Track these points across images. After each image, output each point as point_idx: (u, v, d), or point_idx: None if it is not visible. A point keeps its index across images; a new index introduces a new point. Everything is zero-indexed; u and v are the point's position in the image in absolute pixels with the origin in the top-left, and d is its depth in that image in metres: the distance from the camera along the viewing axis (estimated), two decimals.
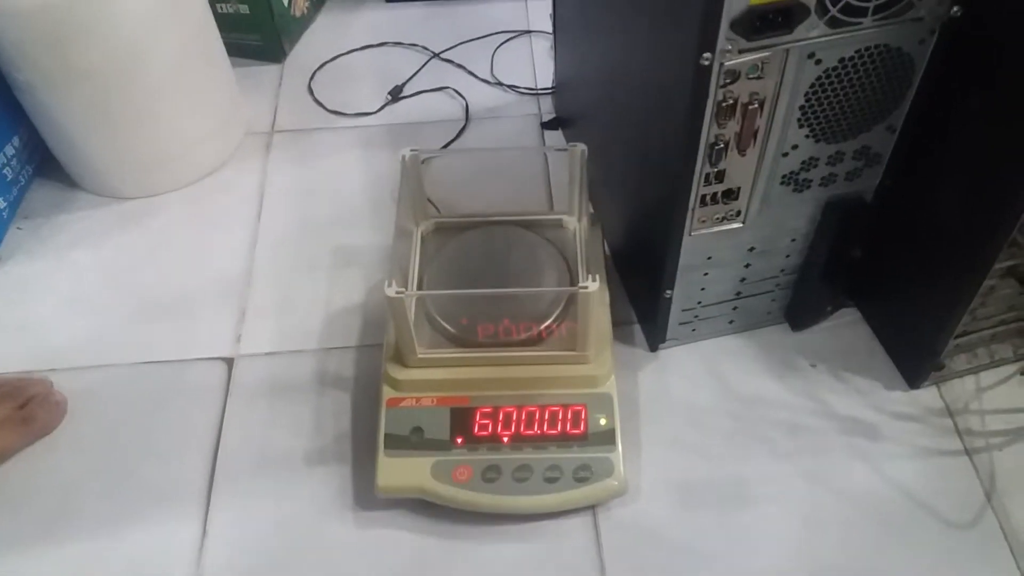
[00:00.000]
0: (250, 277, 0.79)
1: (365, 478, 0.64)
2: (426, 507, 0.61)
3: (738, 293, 0.68)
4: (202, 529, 0.62)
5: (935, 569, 0.59)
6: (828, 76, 0.50)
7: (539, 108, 0.94)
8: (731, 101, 0.50)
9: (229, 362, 0.72)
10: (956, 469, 0.64)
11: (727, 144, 0.53)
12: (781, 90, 0.50)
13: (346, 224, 0.83)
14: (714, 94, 0.49)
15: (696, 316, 0.69)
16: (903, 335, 0.69)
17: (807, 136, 0.54)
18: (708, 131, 0.51)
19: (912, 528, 0.61)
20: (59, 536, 0.62)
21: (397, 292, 0.57)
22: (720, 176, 0.55)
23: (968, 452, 0.65)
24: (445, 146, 0.90)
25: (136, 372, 0.72)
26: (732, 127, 0.52)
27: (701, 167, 0.54)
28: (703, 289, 0.66)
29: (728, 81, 0.49)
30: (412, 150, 0.64)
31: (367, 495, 0.63)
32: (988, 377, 0.69)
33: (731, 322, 0.71)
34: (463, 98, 0.95)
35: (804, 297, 0.69)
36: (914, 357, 0.67)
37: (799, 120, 0.53)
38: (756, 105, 0.50)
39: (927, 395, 0.68)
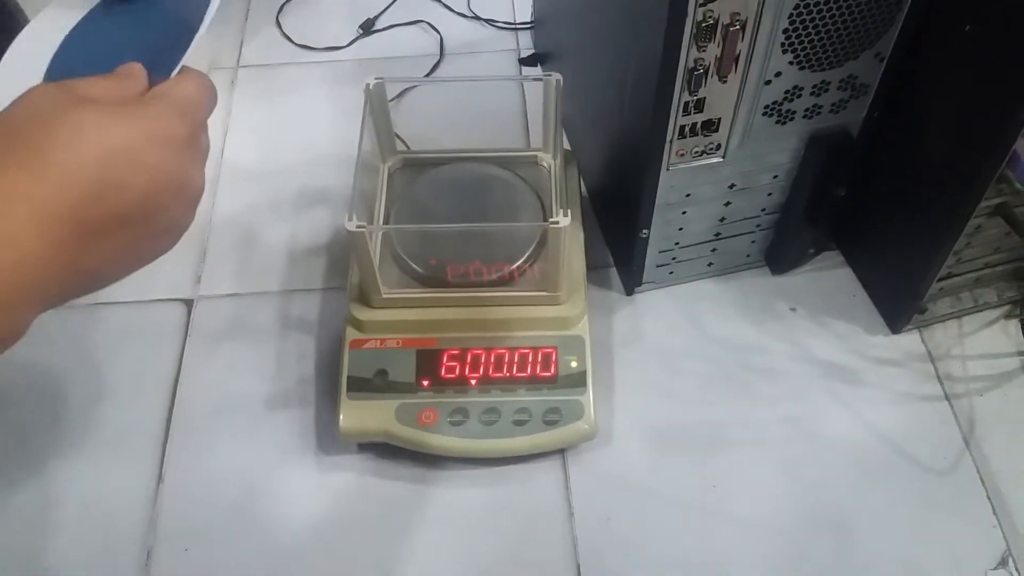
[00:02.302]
0: (211, 216, 0.76)
1: (328, 422, 0.62)
2: (391, 451, 0.59)
3: (717, 234, 0.65)
4: (158, 474, 0.60)
5: (912, 514, 0.58)
6: None
7: (517, 43, 0.90)
8: (711, 21, 0.47)
9: (188, 303, 0.70)
10: (936, 414, 0.63)
11: (707, 69, 0.50)
12: (764, 10, 0.47)
13: (313, 163, 0.79)
14: (693, 12, 0.46)
15: (674, 258, 0.67)
16: (886, 278, 0.67)
17: (791, 63, 0.51)
18: (687, 54, 0.48)
19: (890, 473, 0.60)
20: (11, 480, 0.60)
21: (358, 226, 0.54)
22: (700, 105, 0.52)
23: (948, 398, 0.63)
24: None
25: (91, 314, 0.69)
26: (712, 51, 0.49)
27: (680, 94, 0.51)
28: (681, 229, 0.63)
29: None
30: (377, 79, 0.61)
31: (330, 439, 0.61)
32: (971, 322, 0.67)
33: (710, 264, 0.69)
34: (438, 32, 0.91)
35: (785, 239, 0.67)
36: (897, 301, 0.66)
37: (783, 45, 0.50)
38: (738, 26, 0.47)
39: (908, 340, 0.66)
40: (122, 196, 0.32)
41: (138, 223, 0.33)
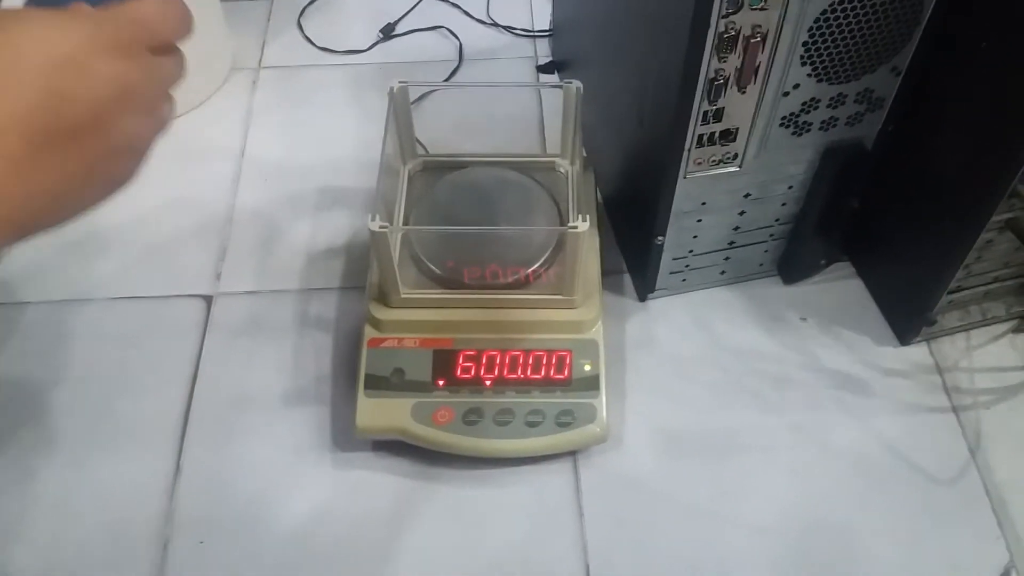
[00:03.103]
0: (232, 214, 0.77)
1: (344, 419, 0.63)
2: (405, 449, 0.60)
3: (731, 243, 0.66)
4: (175, 467, 0.61)
5: (917, 523, 0.59)
6: (833, 10, 0.48)
7: (535, 51, 0.91)
8: (733, 33, 0.48)
9: (208, 300, 0.71)
10: (942, 426, 0.63)
11: (727, 80, 0.51)
12: (784, 23, 0.48)
13: (332, 164, 0.81)
14: (715, 25, 0.47)
15: (687, 265, 0.67)
16: (896, 290, 0.68)
17: (809, 75, 0.52)
18: (708, 65, 0.49)
19: (896, 482, 0.60)
20: (32, 470, 0.61)
21: (381, 227, 0.55)
22: (718, 115, 0.53)
23: (955, 409, 0.64)
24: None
25: (113, 308, 0.70)
26: (733, 62, 0.50)
27: (699, 104, 0.52)
28: (696, 237, 0.64)
29: (730, 11, 0.47)
30: (401, 82, 0.62)
31: (346, 436, 0.62)
32: (979, 335, 0.68)
33: (723, 273, 0.69)
34: (457, 38, 0.92)
35: (798, 249, 0.68)
36: (906, 313, 0.66)
37: (802, 57, 0.51)
38: (759, 39, 0.48)
39: (917, 352, 0.67)
40: (70, 104, 0.31)
41: (91, 135, 0.32)
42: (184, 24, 0.36)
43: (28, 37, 0.31)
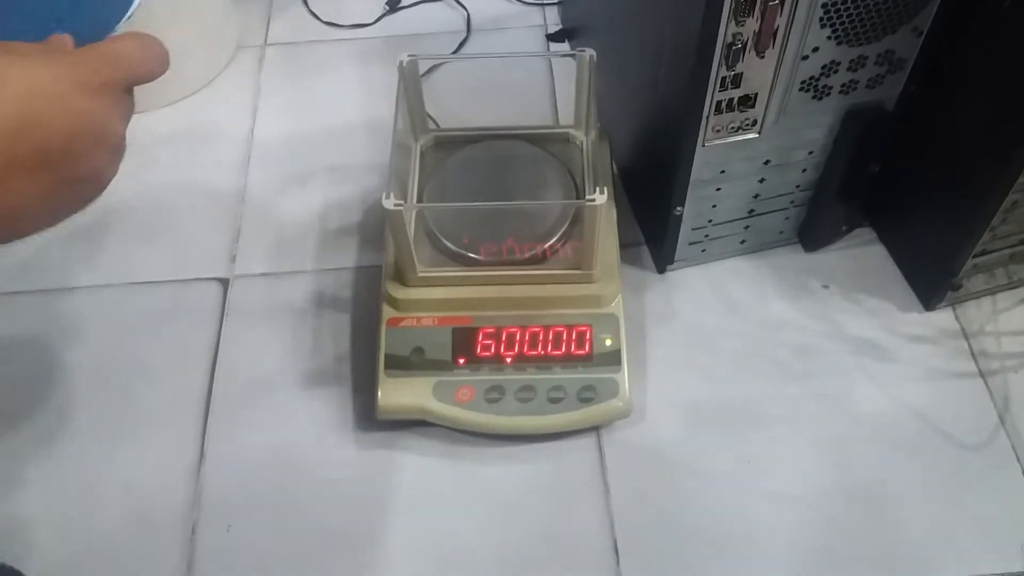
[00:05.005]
0: (244, 196, 0.76)
1: (365, 399, 0.62)
2: (427, 428, 0.60)
3: (751, 211, 0.65)
4: (200, 451, 0.61)
5: (946, 488, 0.58)
6: None
7: (545, 19, 0.90)
8: None
9: (224, 283, 0.70)
10: (969, 391, 0.63)
11: (745, 44, 0.49)
12: None
13: (342, 141, 0.80)
14: None
15: (706, 235, 0.66)
16: (920, 255, 0.66)
17: (829, 37, 0.51)
18: (726, 29, 0.48)
19: (923, 449, 0.60)
20: (56, 457, 0.61)
21: (396, 204, 0.54)
22: (737, 80, 0.52)
23: (982, 374, 0.63)
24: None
25: (129, 293, 0.70)
26: (751, 25, 0.48)
27: (717, 69, 0.51)
28: (715, 206, 0.63)
29: None
30: (410, 55, 0.61)
31: (367, 416, 0.62)
32: (1005, 299, 0.67)
33: (742, 242, 0.68)
34: (464, 8, 0.90)
35: (818, 216, 0.66)
36: (930, 277, 0.65)
37: (821, 19, 0.49)
38: (777, 1, 0.47)
39: (942, 317, 0.66)
40: (44, 134, 0.33)
41: (60, 165, 0.34)
42: (161, 64, 0.38)
43: (11, 67, 0.32)
